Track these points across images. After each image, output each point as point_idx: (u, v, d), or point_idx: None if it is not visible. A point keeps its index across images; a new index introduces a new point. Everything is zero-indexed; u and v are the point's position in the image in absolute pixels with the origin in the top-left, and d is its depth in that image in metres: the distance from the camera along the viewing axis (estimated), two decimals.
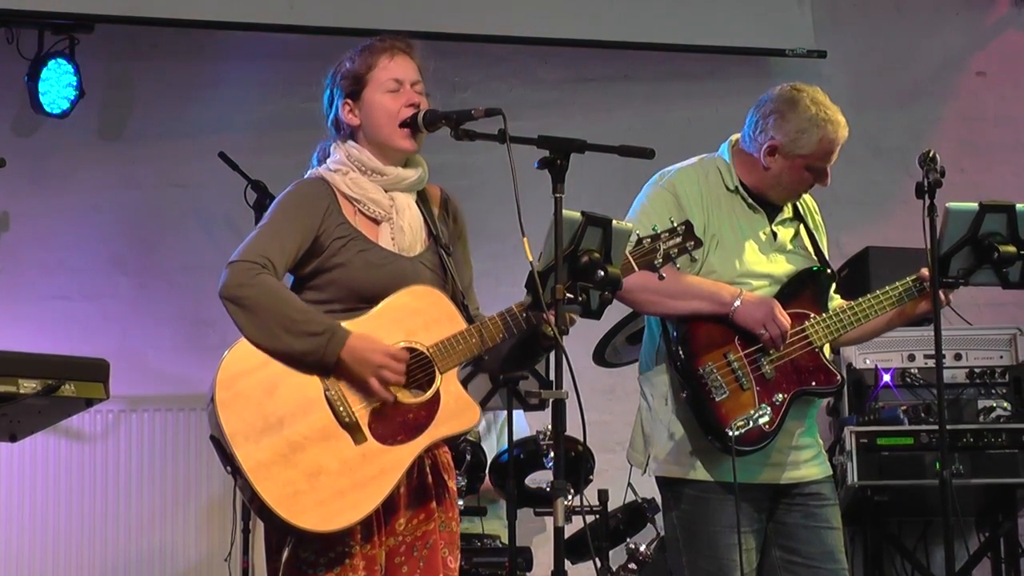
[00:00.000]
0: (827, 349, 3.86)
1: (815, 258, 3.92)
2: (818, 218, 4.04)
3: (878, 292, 3.83)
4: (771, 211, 3.90)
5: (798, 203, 3.96)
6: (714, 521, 3.73)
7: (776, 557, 3.82)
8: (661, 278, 3.39)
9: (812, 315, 3.80)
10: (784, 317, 3.72)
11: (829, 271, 3.90)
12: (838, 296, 3.96)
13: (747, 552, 3.74)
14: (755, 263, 3.83)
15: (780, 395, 3.72)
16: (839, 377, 3.82)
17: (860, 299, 3.83)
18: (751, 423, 3.67)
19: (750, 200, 3.87)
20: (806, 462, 3.83)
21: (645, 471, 3.89)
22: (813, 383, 3.77)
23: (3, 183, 5.96)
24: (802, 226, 3.95)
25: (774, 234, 3.88)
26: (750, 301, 3.73)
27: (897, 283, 3.83)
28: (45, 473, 6.05)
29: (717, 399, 3.68)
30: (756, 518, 3.78)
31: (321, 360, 3.10)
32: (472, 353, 3.20)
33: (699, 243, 3.32)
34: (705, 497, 3.75)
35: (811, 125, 3.77)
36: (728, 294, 3.73)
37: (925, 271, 3.79)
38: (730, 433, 3.64)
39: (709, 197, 3.83)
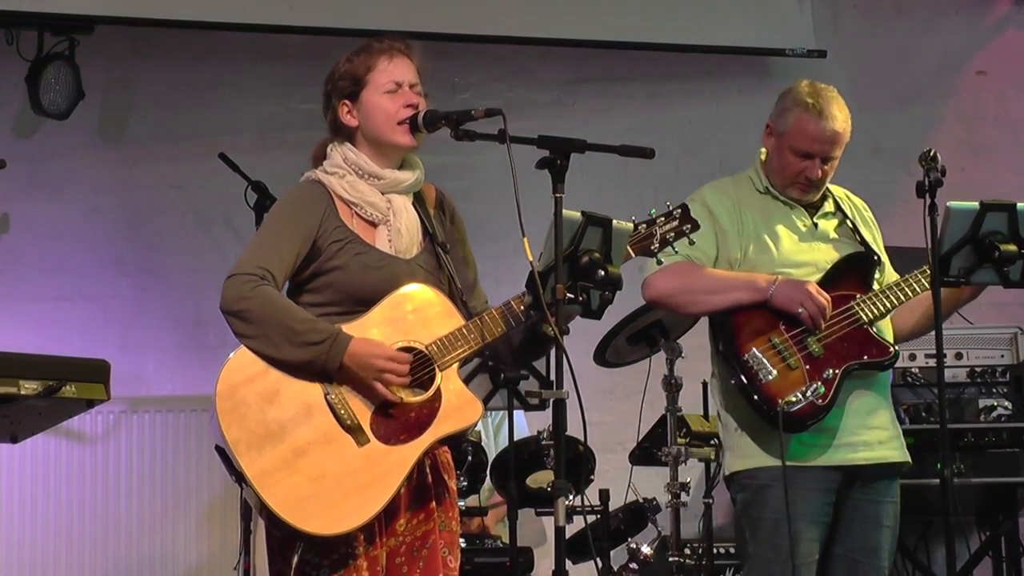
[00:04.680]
0: (889, 330, 3.87)
1: (860, 246, 3.96)
2: (868, 215, 4.10)
3: (925, 267, 3.83)
4: (811, 208, 3.97)
5: (839, 200, 4.03)
6: (774, 507, 3.75)
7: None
8: (659, 263, 3.40)
9: (858, 295, 3.84)
10: (822, 295, 3.76)
11: (876, 257, 3.93)
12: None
13: (811, 542, 3.76)
14: (795, 252, 3.90)
15: (831, 370, 3.76)
16: (892, 349, 3.84)
17: (907, 276, 3.87)
18: (803, 399, 3.69)
19: (783, 198, 3.95)
20: (881, 443, 3.86)
21: (726, 473, 3.93)
22: (865, 356, 3.80)
23: (3, 185, 5.96)
24: (847, 220, 4.00)
25: (815, 225, 3.95)
26: (785, 283, 3.78)
27: None
28: (46, 474, 6.04)
29: (764, 381, 3.73)
30: (824, 511, 3.80)
31: (324, 368, 3.11)
32: (472, 349, 3.20)
33: (696, 225, 3.30)
34: (766, 484, 3.77)
35: (794, 105, 3.88)
36: (764, 280, 3.80)
37: None
38: (780, 406, 3.66)
39: (739, 200, 3.92)
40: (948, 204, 3.78)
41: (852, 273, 3.89)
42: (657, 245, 3.28)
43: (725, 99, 6.37)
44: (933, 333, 3.77)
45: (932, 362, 5.25)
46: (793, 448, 3.73)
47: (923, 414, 5.24)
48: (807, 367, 3.75)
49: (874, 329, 3.83)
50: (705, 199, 3.89)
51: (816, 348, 3.76)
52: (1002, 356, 5.42)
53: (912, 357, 5.40)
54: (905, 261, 4.20)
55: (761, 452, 3.79)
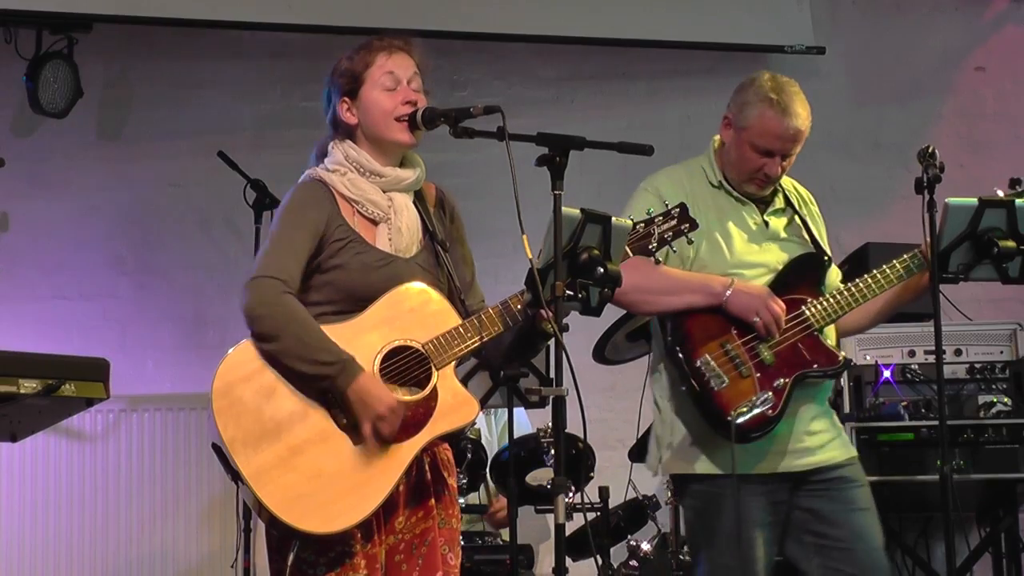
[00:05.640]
0: (832, 335, 3.86)
1: (811, 245, 3.92)
2: (814, 208, 4.05)
3: (875, 272, 3.82)
4: (761, 203, 3.92)
5: (788, 194, 3.97)
6: (728, 516, 3.72)
7: (807, 543, 3.81)
8: (658, 262, 3.39)
9: (809, 300, 3.80)
10: (777, 304, 3.72)
11: (826, 257, 3.90)
12: (842, 284, 3.95)
13: (766, 544, 3.75)
14: (747, 253, 3.85)
15: (781, 380, 3.72)
16: (840, 357, 3.81)
17: (857, 280, 3.83)
18: (753, 409, 3.67)
19: (736, 193, 3.89)
20: (822, 447, 3.82)
21: (657, 472, 3.90)
22: (815, 365, 3.77)
23: (2, 183, 5.96)
24: (796, 216, 3.95)
25: (766, 223, 3.90)
26: (741, 290, 3.73)
27: (895, 261, 3.82)
28: (46, 473, 6.04)
29: (716, 389, 3.69)
30: (771, 510, 3.78)
31: (327, 388, 3.11)
32: (469, 348, 3.20)
33: (695, 225, 3.30)
34: (717, 492, 3.75)
35: (756, 100, 3.83)
36: (719, 284, 3.74)
37: (928, 242, 3.78)
38: (731, 419, 3.63)
39: (693, 195, 3.84)
40: (947, 200, 3.78)
41: (803, 275, 3.85)
42: (655, 245, 3.28)
43: (724, 96, 6.27)
44: (933, 329, 3.77)
45: (931, 359, 5.23)
46: (739, 457, 3.67)
47: (923, 410, 5.24)
48: (758, 375, 3.70)
49: (823, 335, 3.80)
50: (660, 190, 3.81)
51: (768, 356, 3.72)
52: (1001, 352, 5.42)
53: (911, 354, 5.40)
54: None
55: (709, 459, 3.75)
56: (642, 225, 3.27)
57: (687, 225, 3.30)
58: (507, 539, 4.89)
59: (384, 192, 3.31)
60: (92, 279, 6.32)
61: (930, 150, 3.80)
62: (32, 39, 6.05)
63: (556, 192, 3.12)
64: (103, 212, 6.36)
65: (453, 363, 3.19)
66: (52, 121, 6.14)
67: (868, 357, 5.46)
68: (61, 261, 6.31)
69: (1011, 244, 3.75)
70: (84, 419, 5.95)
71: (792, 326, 3.76)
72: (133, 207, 6.39)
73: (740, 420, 3.64)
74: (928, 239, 3.74)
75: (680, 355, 3.73)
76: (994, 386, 5.37)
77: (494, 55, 6.49)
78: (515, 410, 4.82)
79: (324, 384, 3.10)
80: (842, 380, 5.31)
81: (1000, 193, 3.88)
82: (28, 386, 4.00)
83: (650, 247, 3.28)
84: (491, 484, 5.31)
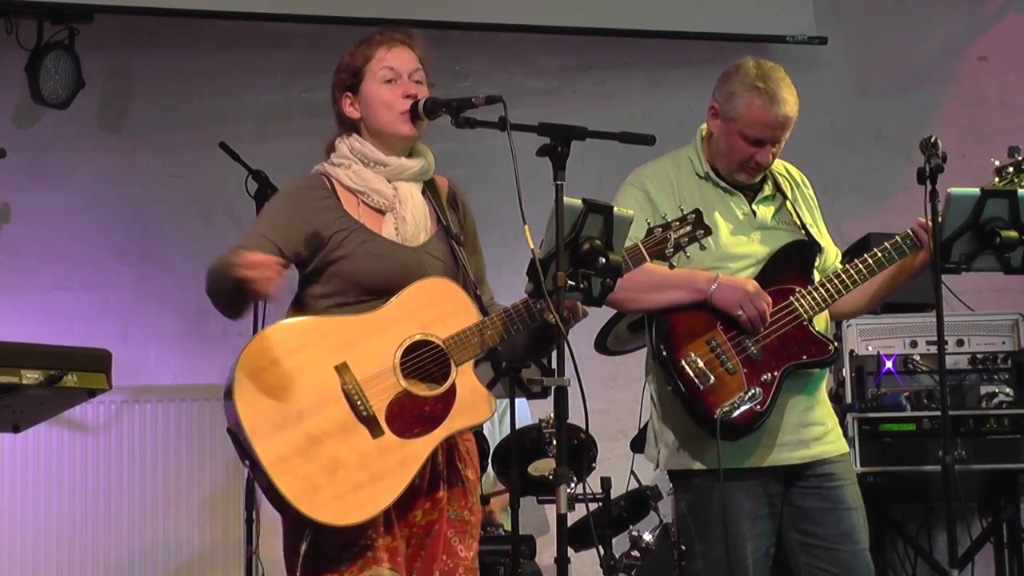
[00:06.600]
0: (822, 321, 3.83)
1: (801, 232, 3.88)
2: (807, 191, 4.01)
3: (866, 255, 3.80)
4: (749, 191, 3.88)
5: (778, 178, 3.93)
6: (719, 509, 3.70)
7: (794, 540, 3.80)
8: (672, 267, 3.38)
9: (798, 289, 3.78)
10: (762, 297, 3.69)
11: (815, 244, 3.87)
12: (840, 265, 3.93)
13: (758, 537, 3.74)
14: (734, 245, 3.81)
15: (768, 374, 3.69)
16: (831, 347, 3.78)
17: (847, 265, 3.81)
18: (740, 406, 3.65)
19: (723, 184, 3.86)
20: (816, 440, 3.80)
21: (657, 466, 3.89)
22: (804, 356, 3.74)
23: (3, 175, 5.96)
24: (787, 202, 3.92)
25: (753, 212, 3.86)
26: (726, 284, 3.70)
27: (886, 243, 3.81)
28: (48, 464, 6.05)
29: (703, 388, 3.66)
30: (767, 502, 3.77)
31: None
32: (487, 346, 3.21)
33: (709, 231, 3.31)
34: (712, 486, 3.73)
35: (743, 90, 3.76)
36: (703, 279, 3.71)
37: (920, 221, 3.76)
38: (716, 418, 3.61)
39: (680, 187, 3.82)
40: (949, 190, 3.77)
41: (791, 264, 3.81)
42: (671, 249, 3.29)
43: None
44: (936, 319, 3.77)
45: (933, 349, 5.25)
46: (730, 451, 3.66)
47: (924, 401, 5.24)
48: (745, 371, 3.67)
49: (812, 325, 3.77)
50: (645, 185, 3.79)
51: (754, 350, 3.69)
52: (1003, 343, 5.41)
53: (913, 344, 5.40)
54: None
55: (704, 455, 3.73)
56: (659, 229, 3.29)
57: (702, 231, 3.31)
58: (509, 530, 4.89)
59: (390, 182, 3.31)
60: (94, 270, 6.32)
61: (932, 140, 3.79)
62: (33, 30, 6.05)
63: (558, 182, 3.12)
64: (105, 203, 6.36)
65: (471, 360, 3.20)
66: (53, 112, 6.14)
67: (870, 347, 5.45)
68: (63, 252, 6.31)
69: (1013, 234, 3.74)
70: (86, 410, 5.96)
71: (779, 317, 3.72)
72: (135, 198, 6.40)
73: (728, 418, 3.62)
74: (930, 228, 3.73)
75: (664, 354, 3.71)
76: (996, 376, 5.36)
77: (496, 45, 6.48)
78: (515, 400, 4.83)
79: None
80: (844, 370, 5.32)
81: (996, 163, 3.87)
82: (30, 377, 4.00)
83: (666, 252, 3.29)
84: (491, 474, 5.31)
